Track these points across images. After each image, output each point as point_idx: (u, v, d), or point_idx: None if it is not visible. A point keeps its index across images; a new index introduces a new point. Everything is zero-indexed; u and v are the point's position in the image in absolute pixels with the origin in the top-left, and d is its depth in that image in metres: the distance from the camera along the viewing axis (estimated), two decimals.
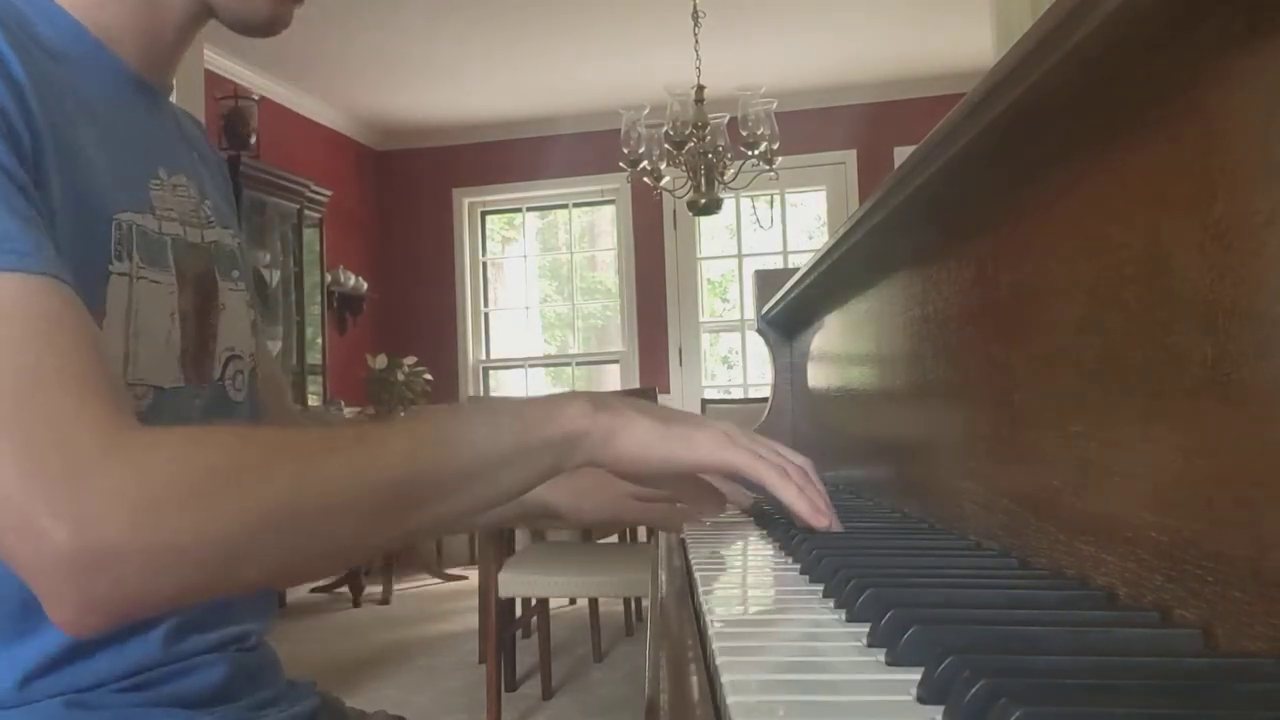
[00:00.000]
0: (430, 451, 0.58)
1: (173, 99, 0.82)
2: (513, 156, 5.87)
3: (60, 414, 0.48)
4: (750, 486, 0.73)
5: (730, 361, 5.96)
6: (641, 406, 0.67)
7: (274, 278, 4.61)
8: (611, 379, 5.86)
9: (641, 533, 3.32)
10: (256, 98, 4.54)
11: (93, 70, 0.68)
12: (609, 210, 5.94)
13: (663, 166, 3.74)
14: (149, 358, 0.66)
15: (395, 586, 4.77)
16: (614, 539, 3.33)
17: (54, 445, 0.47)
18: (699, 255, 5.79)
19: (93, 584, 0.46)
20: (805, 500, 0.69)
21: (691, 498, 0.78)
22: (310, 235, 4.96)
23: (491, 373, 6.11)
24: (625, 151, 3.64)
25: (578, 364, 6.00)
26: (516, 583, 2.63)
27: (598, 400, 0.65)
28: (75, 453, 0.47)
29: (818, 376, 1.45)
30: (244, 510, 0.50)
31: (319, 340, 5.03)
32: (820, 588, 0.56)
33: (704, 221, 5.50)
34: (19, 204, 0.54)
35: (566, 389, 5.87)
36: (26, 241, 0.52)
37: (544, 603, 2.93)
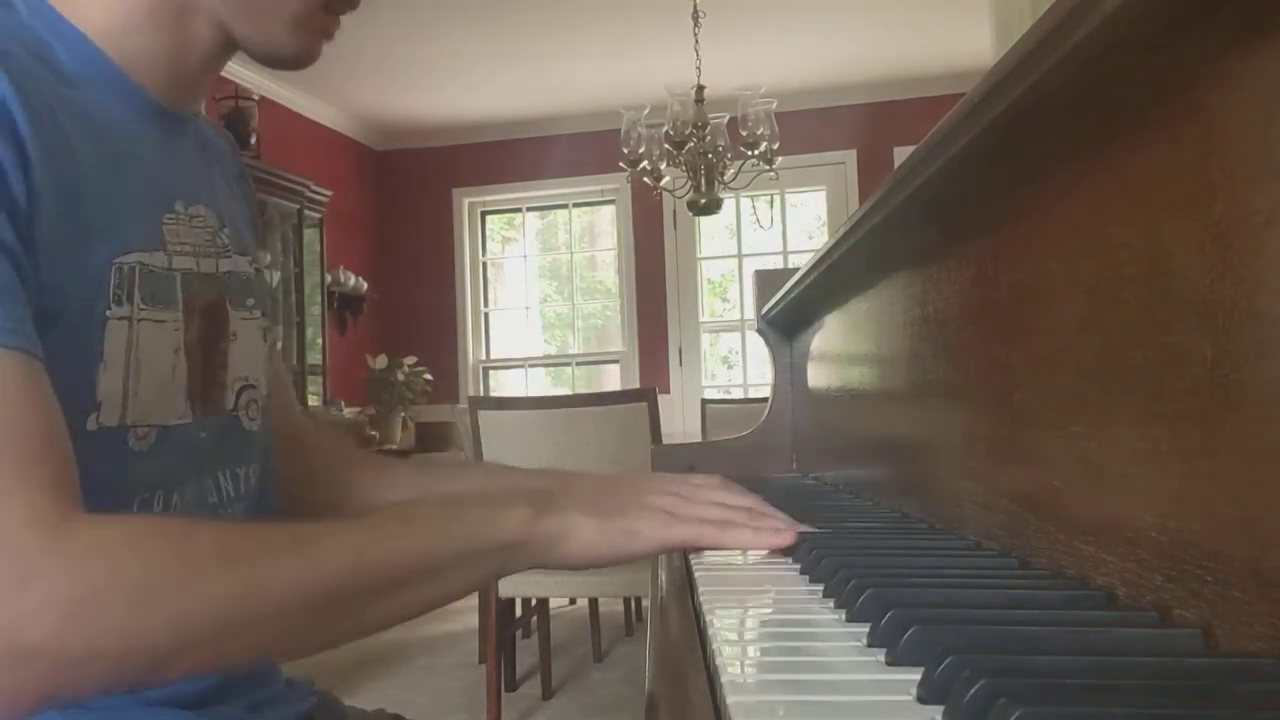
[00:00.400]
0: (372, 557, 0.59)
1: None
2: (513, 156, 5.87)
3: (11, 494, 0.48)
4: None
5: (730, 361, 5.96)
6: (583, 500, 0.68)
7: (274, 278, 4.61)
8: (611, 379, 5.86)
9: None
10: (256, 98, 4.54)
11: (112, 98, 0.67)
12: (609, 210, 5.94)
13: (663, 166, 3.74)
14: (151, 396, 0.66)
15: None
16: None
17: None
18: (699, 255, 5.79)
19: (20, 680, 0.47)
20: (763, 534, 0.70)
21: None
22: (310, 235, 4.96)
23: (491, 373, 6.11)
24: (625, 151, 3.64)
25: (578, 364, 6.01)
26: (516, 582, 2.63)
27: (541, 502, 0.66)
28: (12, 551, 0.48)
29: (818, 376, 1.45)
30: (176, 616, 0.50)
31: (319, 340, 5.03)
32: (820, 588, 0.56)
33: (704, 221, 5.50)
34: (1, 272, 0.53)
35: (566, 389, 5.87)
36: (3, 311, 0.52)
37: (544, 603, 2.93)
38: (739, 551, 0.73)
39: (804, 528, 0.72)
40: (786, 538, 0.70)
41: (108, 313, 0.62)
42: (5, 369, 0.51)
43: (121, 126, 0.67)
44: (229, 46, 0.72)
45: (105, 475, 0.62)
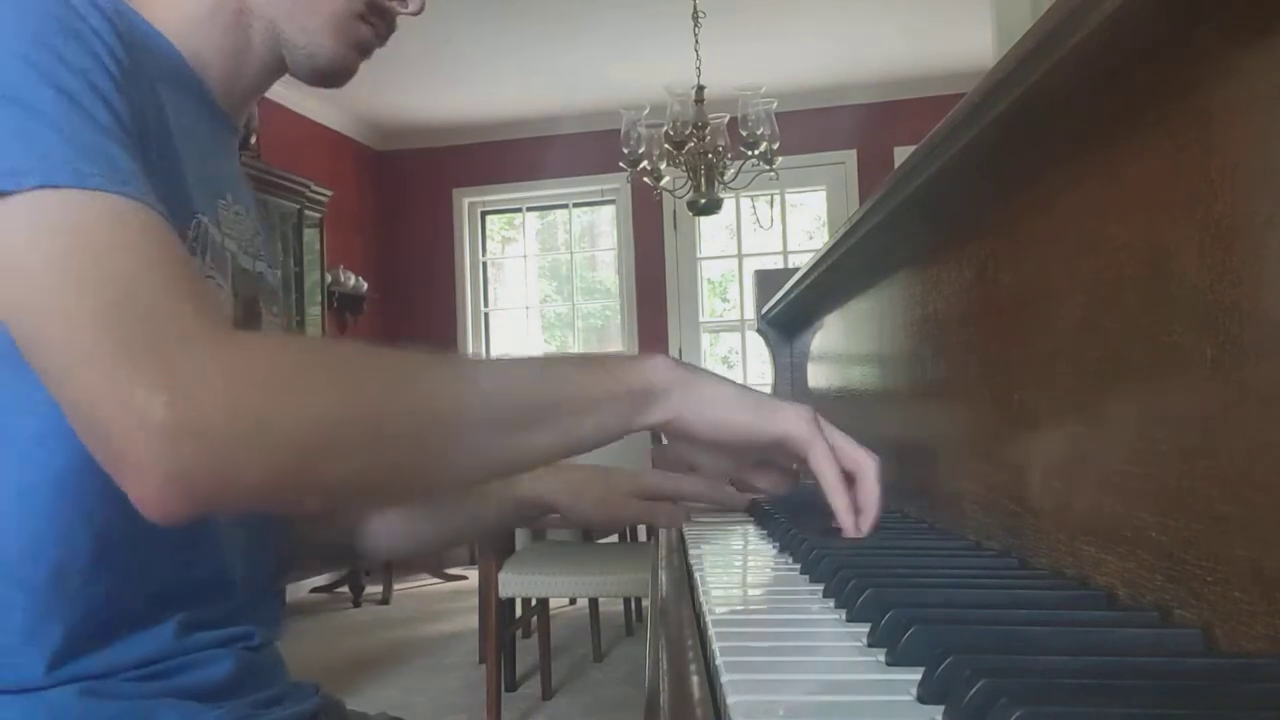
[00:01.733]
0: (524, 380, 0.60)
1: None
2: (513, 156, 5.87)
3: (161, 308, 0.51)
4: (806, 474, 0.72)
5: (730, 361, 5.96)
6: (721, 377, 0.68)
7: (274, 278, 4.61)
8: None
9: (641, 532, 3.32)
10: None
11: (181, 89, 0.70)
12: (609, 210, 5.94)
13: (663, 166, 3.74)
14: None
15: (395, 586, 4.78)
16: (614, 539, 3.33)
17: (156, 331, 0.50)
18: (699, 255, 5.79)
19: (182, 454, 0.48)
20: (850, 512, 0.68)
21: (754, 474, 0.77)
22: (310, 235, 4.96)
23: None
24: (625, 151, 3.64)
25: None
26: (516, 583, 2.63)
27: (680, 362, 0.66)
28: (176, 335, 0.50)
29: (818, 376, 1.45)
30: (335, 403, 0.52)
31: None
32: (820, 588, 0.56)
33: (704, 221, 5.50)
34: (129, 145, 0.56)
35: None
36: (140, 183, 0.54)
37: (544, 603, 2.93)
38: (739, 551, 0.73)
39: (863, 533, 0.69)
40: (849, 529, 0.68)
41: None
42: (150, 220, 0.54)
43: (188, 114, 0.70)
44: (280, 68, 0.76)
45: None
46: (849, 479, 0.68)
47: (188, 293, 0.52)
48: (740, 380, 5.13)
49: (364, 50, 0.77)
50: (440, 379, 0.57)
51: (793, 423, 0.67)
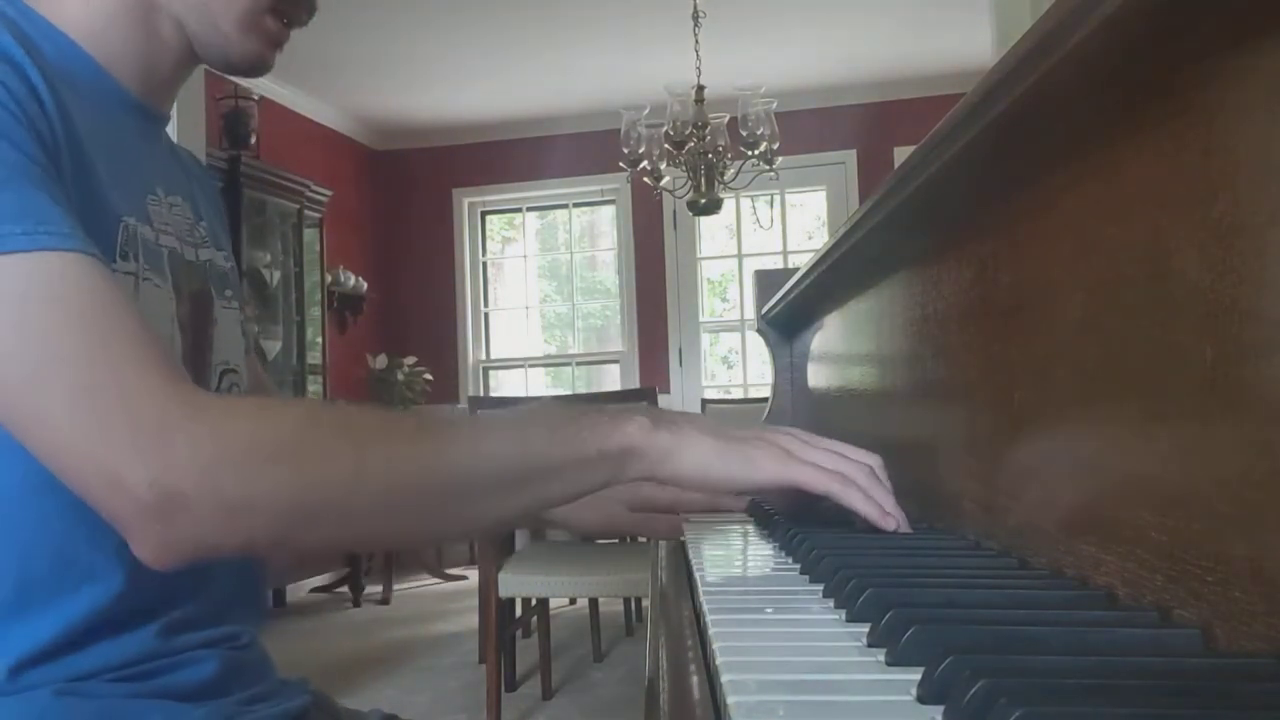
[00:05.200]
0: (494, 448, 0.60)
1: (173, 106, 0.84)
2: (513, 156, 5.87)
3: (137, 381, 0.52)
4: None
5: (730, 361, 5.96)
6: (701, 424, 0.68)
7: (274, 278, 4.61)
8: (611, 379, 5.86)
9: None
10: (256, 98, 4.54)
11: (93, 92, 0.70)
12: (609, 210, 5.94)
13: (663, 166, 3.74)
14: None
15: (395, 586, 4.77)
16: (614, 540, 3.33)
17: (135, 408, 0.52)
18: (699, 255, 5.79)
19: (175, 527, 0.51)
20: (872, 505, 0.68)
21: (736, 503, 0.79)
22: (310, 235, 4.96)
23: (491, 373, 6.11)
24: (625, 151, 3.64)
25: (578, 364, 6.00)
26: (516, 583, 2.63)
27: (658, 417, 0.66)
28: (153, 414, 0.52)
29: (818, 376, 1.45)
30: (312, 475, 0.54)
31: (319, 340, 5.02)
32: (820, 588, 0.56)
33: (704, 221, 5.49)
34: (54, 190, 0.57)
35: (566, 390, 5.87)
36: (65, 224, 0.55)
37: (544, 603, 2.93)
38: (739, 551, 0.73)
39: (906, 526, 0.70)
40: (887, 523, 0.68)
41: (114, 266, 0.65)
42: (83, 270, 0.55)
43: (106, 116, 0.70)
44: (194, 54, 0.76)
45: None
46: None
47: (161, 361, 0.54)
48: (740, 380, 5.07)
49: (279, 44, 0.77)
50: (414, 446, 0.58)
51: (768, 467, 0.66)
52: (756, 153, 3.53)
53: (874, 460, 0.71)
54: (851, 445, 0.72)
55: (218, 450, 0.52)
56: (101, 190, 0.65)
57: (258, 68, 0.76)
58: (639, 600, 3.55)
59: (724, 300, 6.05)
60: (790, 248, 5.70)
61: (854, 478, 0.68)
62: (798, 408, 1.57)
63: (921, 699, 0.36)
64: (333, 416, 0.59)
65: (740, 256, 5.81)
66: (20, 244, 0.52)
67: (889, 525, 0.68)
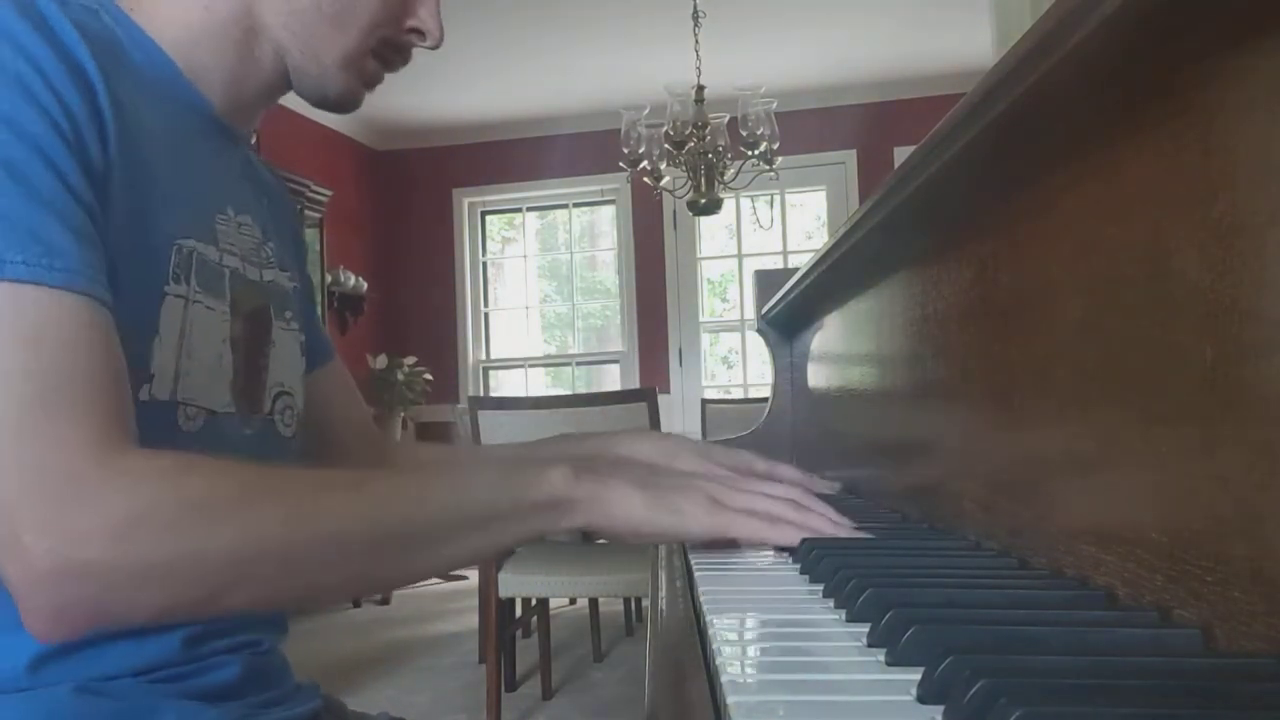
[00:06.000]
0: (421, 504, 0.60)
1: None
2: (513, 156, 5.87)
3: (57, 436, 0.50)
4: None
5: (730, 361, 5.96)
6: (627, 473, 0.68)
7: None
8: (611, 379, 5.86)
9: None
10: None
11: (176, 104, 0.70)
12: (609, 210, 5.93)
13: (663, 166, 3.74)
14: (200, 379, 0.68)
15: None
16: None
17: (48, 466, 0.50)
18: (699, 255, 5.79)
19: (69, 596, 0.49)
20: (808, 532, 0.69)
21: None
22: (310, 235, 4.96)
23: (491, 373, 6.11)
24: (625, 151, 3.64)
25: (578, 364, 6.00)
26: (516, 583, 2.63)
27: (582, 466, 0.66)
28: (67, 473, 0.50)
29: (818, 376, 1.45)
30: (228, 542, 0.52)
31: None
32: (820, 588, 0.56)
33: (704, 221, 5.50)
34: (77, 220, 0.55)
35: (565, 389, 5.87)
36: (73, 258, 0.54)
37: (544, 603, 2.93)
38: (739, 551, 0.73)
39: (850, 528, 0.71)
40: (840, 531, 0.70)
41: (165, 289, 0.65)
42: (70, 311, 0.53)
43: (183, 128, 0.70)
44: (286, 81, 0.77)
45: (155, 448, 0.64)
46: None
47: (94, 414, 0.52)
48: (740, 381, 5.06)
49: (372, 83, 0.78)
50: (343, 506, 0.58)
51: (696, 518, 0.67)
52: (756, 153, 3.53)
53: (799, 478, 0.73)
54: (778, 468, 0.74)
55: (132, 513, 0.50)
56: (155, 212, 0.64)
57: (349, 105, 0.78)
58: (639, 600, 3.55)
59: (724, 300, 6.05)
60: (790, 248, 5.70)
61: (783, 515, 0.70)
62: (798, 408, 1.57)
63: (921, 699, 0.36)
64: (255, 474, 0.57)
65: (740, 256, 5.81)
66: (18, 273, 0.52)
67: (840, 534, 0.70)
